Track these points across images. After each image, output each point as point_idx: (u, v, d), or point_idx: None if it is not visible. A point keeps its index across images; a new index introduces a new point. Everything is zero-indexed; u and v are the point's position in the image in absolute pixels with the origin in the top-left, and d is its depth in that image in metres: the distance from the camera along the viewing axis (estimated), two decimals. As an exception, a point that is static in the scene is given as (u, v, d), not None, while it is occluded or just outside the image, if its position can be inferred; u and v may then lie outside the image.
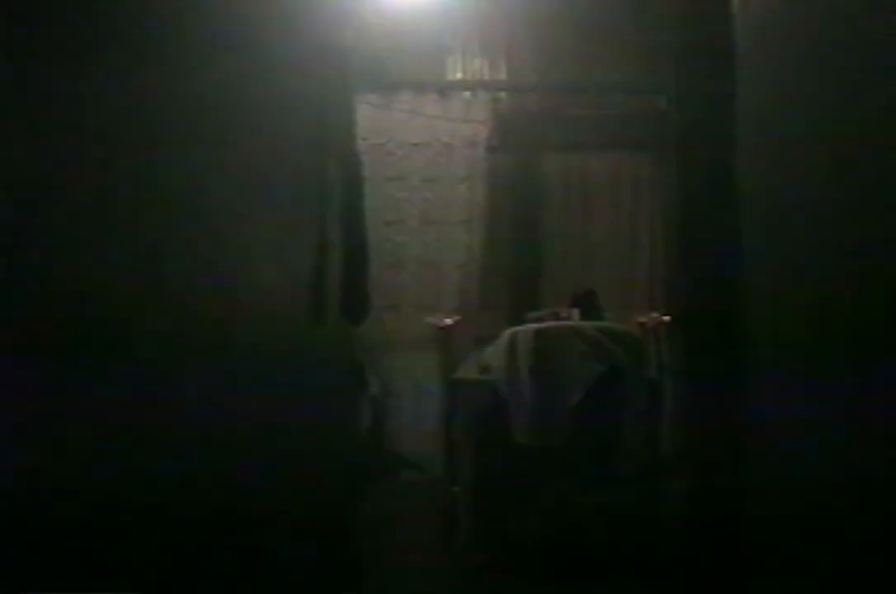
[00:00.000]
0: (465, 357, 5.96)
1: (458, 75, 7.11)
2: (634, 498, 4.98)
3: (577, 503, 5.01)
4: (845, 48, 2.42)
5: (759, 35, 3.31)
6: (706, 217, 4.01)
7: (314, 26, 2.93)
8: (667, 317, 5.76)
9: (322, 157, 2.92)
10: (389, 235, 6.99)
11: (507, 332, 5.11)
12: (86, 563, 1.48)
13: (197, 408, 1.88)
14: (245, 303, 2.25)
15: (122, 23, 1.65)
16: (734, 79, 3.55)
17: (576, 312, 5.82)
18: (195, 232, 1.99)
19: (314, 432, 2.76)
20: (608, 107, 7.05)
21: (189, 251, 1.95)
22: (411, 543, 5.53)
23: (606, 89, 7.00)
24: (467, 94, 6.98)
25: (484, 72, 7.11)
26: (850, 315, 2.31)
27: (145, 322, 1.73)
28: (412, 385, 6.86)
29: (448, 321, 5.87)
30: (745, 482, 3.48)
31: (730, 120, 3.59)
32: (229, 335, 2.14)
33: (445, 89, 6.97)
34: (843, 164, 2.39)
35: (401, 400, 6.96)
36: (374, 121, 6.97)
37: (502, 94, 7.10)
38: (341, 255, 3.19)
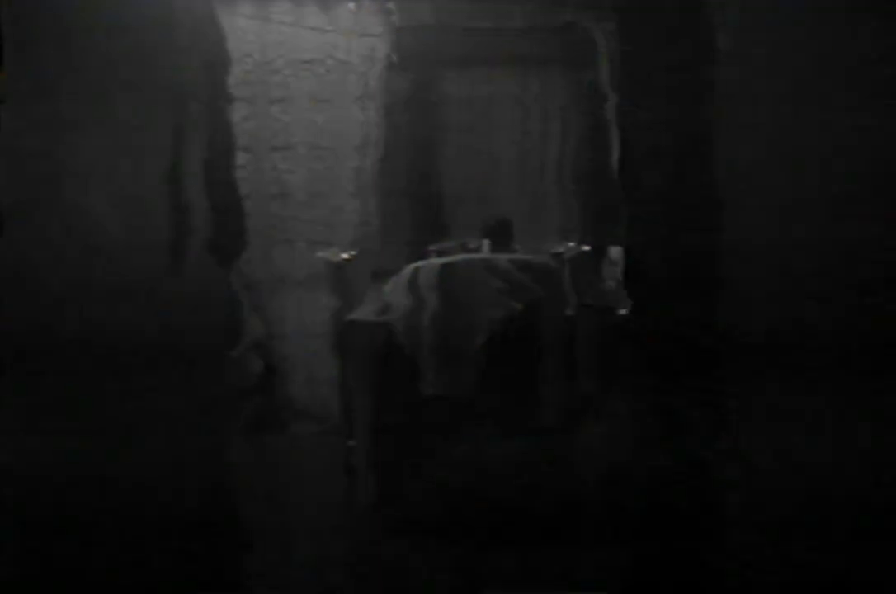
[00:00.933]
0: (363, 295, 5.34)
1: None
2: (554, 450, 4.44)
3: (488, 458, 4.44)
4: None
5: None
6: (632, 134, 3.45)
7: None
8: (586, 247, 5.19)
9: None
10: (276, 163, 6.25)
11: (409, 267, 4.49)
12: None
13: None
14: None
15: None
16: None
17: (486, 243, 5.21)
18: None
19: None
20: (512, 18, 6.36)
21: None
22: (304, 502, 4.93)
23: (509, -1, 6.33)
24: (352, 4, 6.22)
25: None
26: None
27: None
28: (303, 327, 6.20)
29: (343, 256, 5.22)
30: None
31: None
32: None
33: (328, -1, 6.22)
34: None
35: (290, 343, 6.30)
36: (255, 34, 6.21)
37: (391, 5, 6.36)
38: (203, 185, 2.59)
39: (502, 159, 6.55)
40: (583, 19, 6.22)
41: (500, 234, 5.28)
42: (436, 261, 4.53)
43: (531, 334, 4.41)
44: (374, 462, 4.67)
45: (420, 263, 4.49)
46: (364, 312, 4.80)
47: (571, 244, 5.39)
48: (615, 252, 6.07)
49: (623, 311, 5.01)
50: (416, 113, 6.59)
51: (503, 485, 4.43)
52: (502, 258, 4.54)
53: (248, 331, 6.01)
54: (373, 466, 4.67)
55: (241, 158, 6.13)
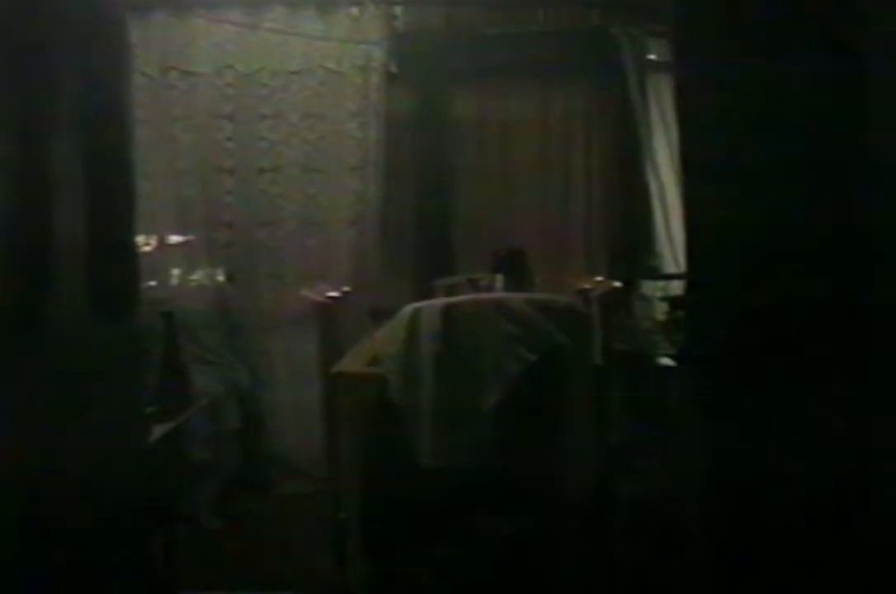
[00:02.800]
0: (359, 339, 4.55)
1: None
2: (573, 533, 3.61)
3: (496, 541, 3.62)
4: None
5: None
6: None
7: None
8: (617, 283, 4.37)
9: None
10: (264, 186, 5.56)
11: (406, 310, 3.67)
12: None
13: None
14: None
15: None
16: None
17: (499, 279, 4.40)
18: None
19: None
20: (531, 23, 5.59)
21: None
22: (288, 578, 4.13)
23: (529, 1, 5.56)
24: (354, 9, 5.45)
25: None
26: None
27: None
28: (291, 373, 5.41)
29: (331, 293, 4.41)
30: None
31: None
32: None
33: (326, 3, 5.44)
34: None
35: (278, 391, 5.52)
36: (241, 44, 5.48)
37: (398, 9, 5.59)
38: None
39: (519, 182, 5.76)
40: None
41: (515, 268, 4.47)
42: (437, 302, 3.69)
43: (551, 391, 3.57)
44: (366, 542, 3.83)
45: (419, 304, 3.65)
46: (353, 362, 3.97)
47: (599, 278, 4.57)
48: (651, 287, 5.30)
49: (663, 359, 4.19)
50: (422, 131, 5.78)
51: (520, 575, 3.60)
52: (517, 298, 3.71)
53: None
54: (366, 548, 3.83)
55: (225, 182, 5.40)
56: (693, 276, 2.50)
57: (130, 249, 2.33)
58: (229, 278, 5.61)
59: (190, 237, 5.61)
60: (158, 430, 3.22)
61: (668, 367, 4.12)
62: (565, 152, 5.76)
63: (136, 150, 2.49)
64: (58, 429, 2.12)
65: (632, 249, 5.55)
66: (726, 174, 2.37)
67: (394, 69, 5.50)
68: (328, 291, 4.48)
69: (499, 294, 4.12)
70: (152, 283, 5.50)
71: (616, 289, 4.30)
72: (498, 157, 5.83)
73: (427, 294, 5.22)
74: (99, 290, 2.13)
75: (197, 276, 5.62)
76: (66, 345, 2.06)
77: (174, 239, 5.60)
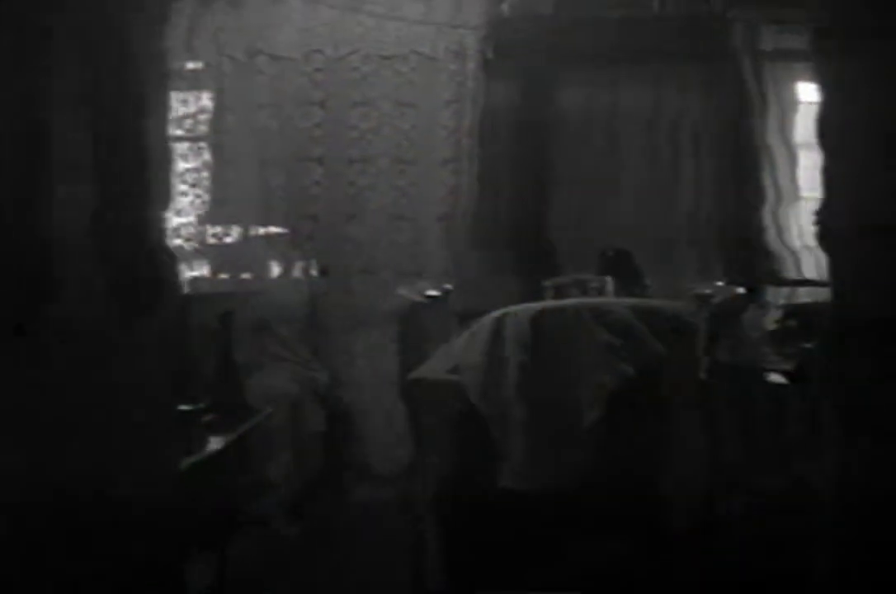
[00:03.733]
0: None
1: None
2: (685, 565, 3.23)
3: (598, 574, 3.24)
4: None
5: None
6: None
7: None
8: (740, 289, 3.95)
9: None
10: (352, 178, 5.22)
11: (491, 315, 3.30)
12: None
13: None
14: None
15: None
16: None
17: (609, 282, 4.02)
18: None
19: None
20: (644, 7, 5.18)
21: None
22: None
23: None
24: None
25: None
26: None
27: None
28: (377, 374, 5.08)
29: (430, 292, 4.07)
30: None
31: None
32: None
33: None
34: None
35: (362, 393, 5.20)
36: (333, 27, 5.16)
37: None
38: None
39: (626, 177, 5.33)
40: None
41: (623, 270, 4.08)
42: (527, 307, 3.31)
43: (650, 408, 3.17)
44: (444, 561, 3.49)
45: (506, 309, 3.28)
46: (433, 368, 3.62)
47: (720, 283, 4.16)
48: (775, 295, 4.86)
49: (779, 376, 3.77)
50: (522, 121, 5.38)
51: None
52: (620, 303, 3.33)
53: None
54: (443, 567, 3.48)
55: (313, 172, 5.08)
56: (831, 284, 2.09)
57: (145, 237, 2.00)
58: (323, 272, 5.30)
59: (277, 229, 5.32)
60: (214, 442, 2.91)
61: (779, 384, 3.68)
62: (675, 146, 5.31)
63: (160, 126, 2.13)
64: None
65: (750, 252, 5.09)
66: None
67: (490, 55, 5.13)
68: (427, 290, 4.16)
69: (597, 299, 3.73)
70: (245, 276, 5.28)
71: (738, 295, 3.88)
72: (603, 150, 5.40)
73: (535, 295, 4.86)
74: (114, 283, 1.82)
75: (286, 269, 5.32)
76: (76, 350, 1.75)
77: (261, 231, 5.31)
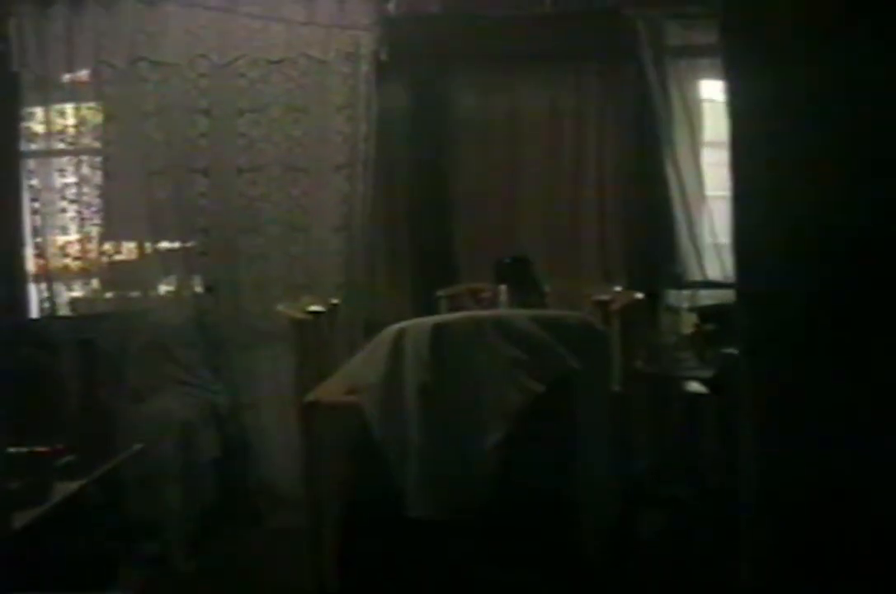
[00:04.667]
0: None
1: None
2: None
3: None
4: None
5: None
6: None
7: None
8: (639, 294, 3.75)
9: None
10: (242, 188, 4.97)
11: (389, 330, 3.05)
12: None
13: None
14: None
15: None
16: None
17: (503, 290, 3.80)
18: None
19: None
20: (537, 5, 4.98)
21: None
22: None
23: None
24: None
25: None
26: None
27: None
28: (277, 394, 4.78)
29: (313, 308, 3.81)
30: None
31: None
32: None
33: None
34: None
35: (262, 415, 4.91)
36: (217, 32, 4.91)
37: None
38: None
39: (525, 181, 5.11)
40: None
41: (520, 278, 3.86)
42: (425, 321, 3.06)
43: (562, 425, 2.94)
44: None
45: (404, 324, 3.03)
46: (329, 389, 3.37)
47: (618, 288, 3.97)
48: (677, 298, 4.68)
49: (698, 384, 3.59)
50: (417, 125, 5.15)
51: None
52: (521, 314, 3.09)
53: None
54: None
55: (199, 183, 4.81)
56: (742, 284, 1.90)
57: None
58: (208, 289, 5.02)
59: (164, 244, 5.04)
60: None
61: (700, 394, 3.49)
62: (576, 148, 5.11)
63: None
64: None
65: (652, 255, 4.90)
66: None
67: (384, 57, 4.90)
68: (311, 305, 3.89)
69: (499, 311, 3.50)
70: (134, 294, 5.03)
71: (638, 300, 3.67)
72: (501, 154, 5.18)
73: (428, 306, 4.64)
74: None
75: (172, 286, 5.02)
76: None
77: (148, 246, 5.02)
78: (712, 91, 4.91)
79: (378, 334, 3.11)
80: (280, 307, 3.82)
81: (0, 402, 1.83)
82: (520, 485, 2.91)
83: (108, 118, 4.98)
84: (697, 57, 4.93)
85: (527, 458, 2.94)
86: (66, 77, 5.00)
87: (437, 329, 2.95)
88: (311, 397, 3.31)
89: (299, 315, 3.66)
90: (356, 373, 3.18)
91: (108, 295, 5.03)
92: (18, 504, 2.41)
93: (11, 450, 2.47)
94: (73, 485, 2.69)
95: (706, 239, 4.89)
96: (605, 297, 3.63)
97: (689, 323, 4.49)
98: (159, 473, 4.17)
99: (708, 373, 3.66)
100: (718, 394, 3.44)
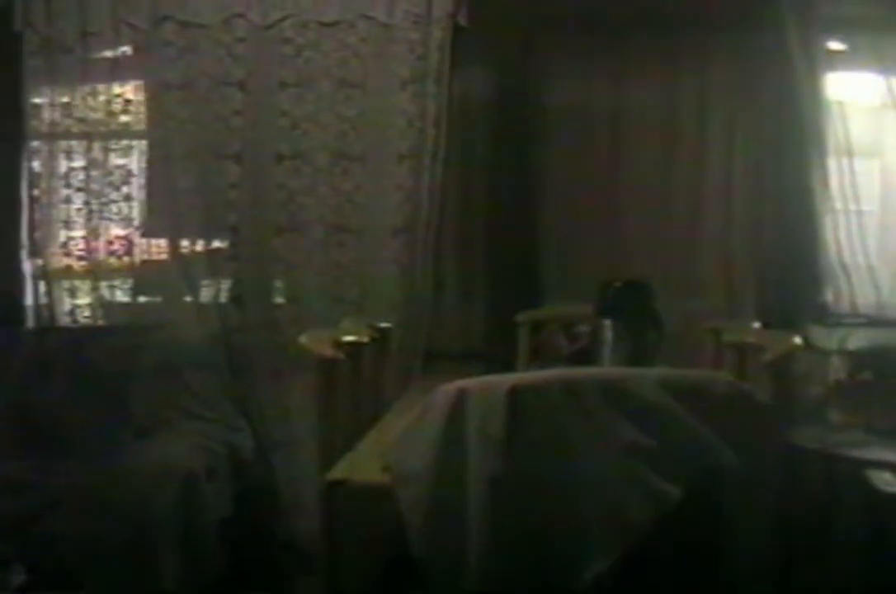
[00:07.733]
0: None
1: None
2: None
3: None
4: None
5: None
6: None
7: None
8: (797, 339, 2.65)
9: None
10: (281, 179, 4.08)
11: (445, 392, 2.00)
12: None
13: None
14: None
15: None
16: None
17: (607, 325, 2.76)
18: None
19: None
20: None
21: None
22: None
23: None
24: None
25: None
26: None
27: None
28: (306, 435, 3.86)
29: (346, 337, 2.84)
30: None
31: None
32: None
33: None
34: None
35: (291, 458, 4.06)
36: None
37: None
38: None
39: (631, 183, 4.12)
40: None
41: (635, 309, 2.78)
42: (498, 381, 1.99)
43: (707, 552, 1.87)
44: None
45: (464, 383, 1.97)
46: (363, 460, 2.33)
47: (757, 324, 2.94)
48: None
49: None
50: (501, 109, 4.18)
51: None
52: (646, 378, 1.99)
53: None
54: None
55: (230, 171, 3.94)
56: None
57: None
58: (234, 300, 4.14)
59: (186, 244, 4.18)
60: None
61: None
62: (698, 144, 4.10)
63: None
64: None
65: (790, 280, 3.88)
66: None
67: (463, 22, 3.97)
68: (348, 333, 2.89)
69: (613, 370, 2.41)
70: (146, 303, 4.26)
71: (795, 346, 2.57)
72: (605, 148, 4.16)
73: (504, 333, 3.66)
74: None
75: (191, 296, 4.14)
76: None
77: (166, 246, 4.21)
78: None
79: (431, 395, 2.06)
80: (303, 338, 2.80)
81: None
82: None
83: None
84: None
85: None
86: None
87: (515, 395, 1.88)
88: (337, 473, 2.29)
89: (328, 350, 2.63)
90: (395, 449, 2.13)
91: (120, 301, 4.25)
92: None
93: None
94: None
95: (857, 260, 3.92)
96: (746, 339, 2.55)
97: (836, 370, 3.50)
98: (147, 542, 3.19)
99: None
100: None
